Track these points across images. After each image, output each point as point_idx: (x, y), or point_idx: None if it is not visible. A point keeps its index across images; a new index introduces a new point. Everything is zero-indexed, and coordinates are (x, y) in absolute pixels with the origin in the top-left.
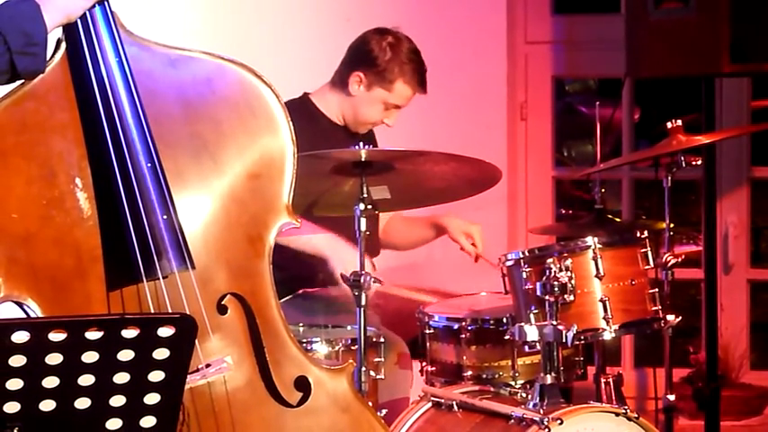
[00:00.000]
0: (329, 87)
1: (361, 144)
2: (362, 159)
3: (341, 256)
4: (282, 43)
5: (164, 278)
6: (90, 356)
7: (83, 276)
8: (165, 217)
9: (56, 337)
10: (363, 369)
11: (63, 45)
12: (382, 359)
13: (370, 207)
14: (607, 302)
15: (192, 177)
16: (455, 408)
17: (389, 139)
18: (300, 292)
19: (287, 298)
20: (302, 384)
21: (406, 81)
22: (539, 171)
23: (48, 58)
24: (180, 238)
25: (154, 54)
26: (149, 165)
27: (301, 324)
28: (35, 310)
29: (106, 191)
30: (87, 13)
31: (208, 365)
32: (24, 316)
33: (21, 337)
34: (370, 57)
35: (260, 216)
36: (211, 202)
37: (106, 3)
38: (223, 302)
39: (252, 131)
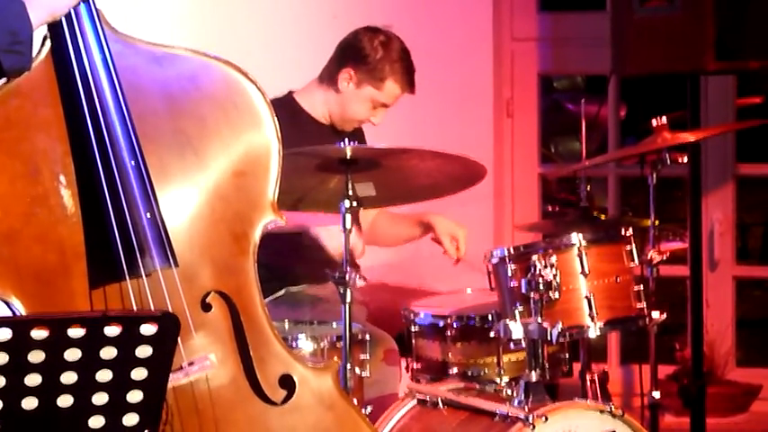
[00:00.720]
0: (317, 83)
1: (347, 141)
2: (348, 156)
3: (336, 241)
4: (269, 40)
5: (147, 276)
6: (72, 354)
7: (67, 274)
8: (148, 214)
9: (38, 334)
10: (348, 367)
11: (48, 42)
12: (368, 356)
13: (355, 204)
14: (592, 299)
15: (176, 174)
16: (440, 405)
17: (376, 135)
18: (284, 291)
19: (273, 296)
20: (287, 382)
21: (396, 80)
22: (525, 168)
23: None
24: (163, 235)
25: (138, 51)
26: (133, 162)
27: (286, 321)
28: (18, 309)
29: (90, 188)
30: (72, 10)
31: (191, 363)
32: (7, 314)
33: (3, 334)
34: (362, 54)
35: (245, 213)
36: (195, 199)
37: (91, 0)
38: (207, 300)
39: (236, 128)
